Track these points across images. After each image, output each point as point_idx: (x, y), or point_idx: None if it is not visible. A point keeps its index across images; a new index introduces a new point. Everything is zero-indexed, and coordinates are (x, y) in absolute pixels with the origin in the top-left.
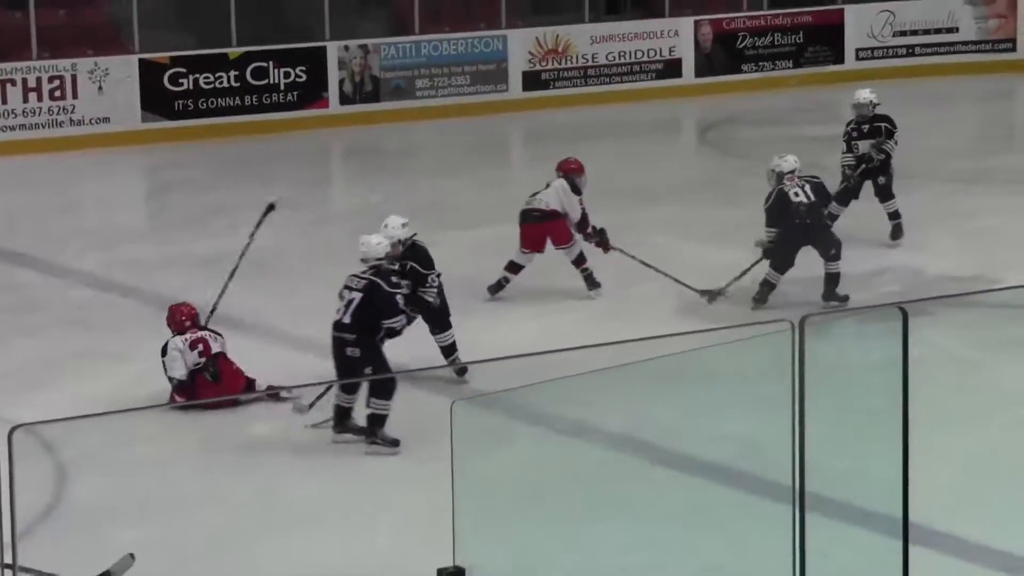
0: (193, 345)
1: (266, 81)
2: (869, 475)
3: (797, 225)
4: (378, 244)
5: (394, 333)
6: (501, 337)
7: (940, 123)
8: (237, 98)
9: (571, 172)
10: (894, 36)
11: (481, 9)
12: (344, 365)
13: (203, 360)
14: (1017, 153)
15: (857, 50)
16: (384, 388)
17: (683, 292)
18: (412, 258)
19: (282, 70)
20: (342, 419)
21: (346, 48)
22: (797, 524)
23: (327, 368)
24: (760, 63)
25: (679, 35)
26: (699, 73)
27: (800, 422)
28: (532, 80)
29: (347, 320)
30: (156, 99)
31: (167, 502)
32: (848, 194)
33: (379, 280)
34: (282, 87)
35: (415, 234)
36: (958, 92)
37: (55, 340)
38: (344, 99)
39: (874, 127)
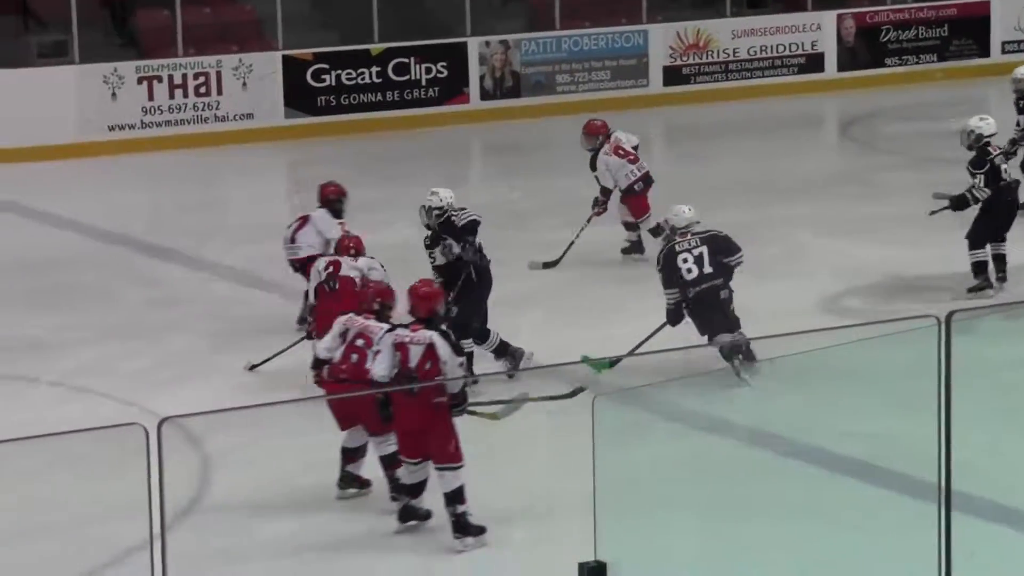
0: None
1: (407, 77)
2: (1018, 473)
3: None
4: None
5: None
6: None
7: None
8: (379, 94)
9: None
10: None
11: (621, 4)
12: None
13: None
14: None
15: (1004, 43)
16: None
17: (824, 287)
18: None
19: (423, 66)
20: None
21: (487, 44)
22: (943, 523)
23: None
24: (904, 57)
25: (821, 29)
26: (842, 67)
27: (946, 419)
28: (673, 75)
29: (709, 270)
30: (299, 95)
31: (314, 493)
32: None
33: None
34: (423, 83)
35: None
36: None
37: (200, 334)
38: (484, 95)
39: None
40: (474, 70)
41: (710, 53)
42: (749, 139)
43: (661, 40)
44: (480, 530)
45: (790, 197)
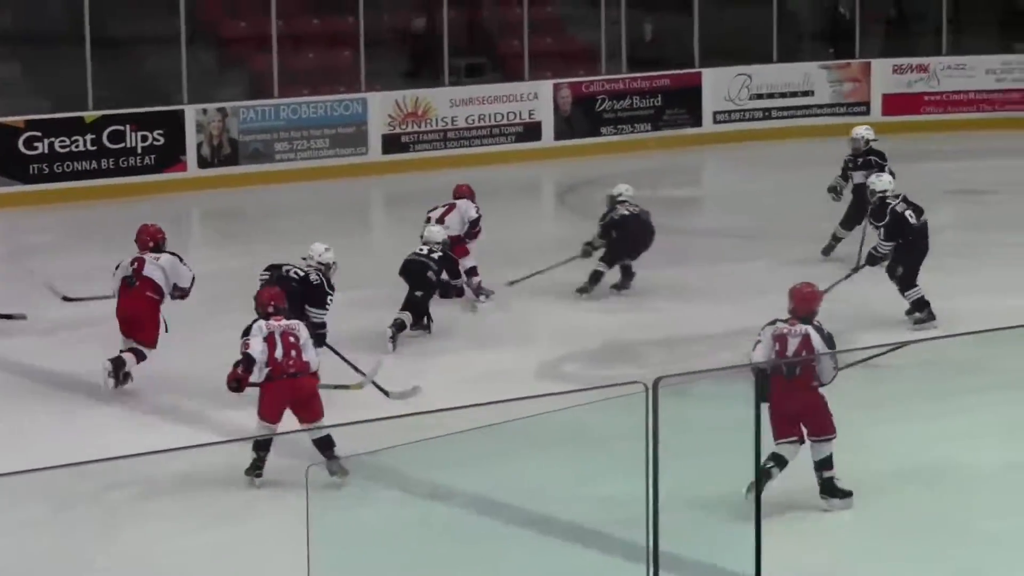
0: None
1: (123, 145)
2: (722, 534)
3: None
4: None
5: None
6: (363, 401)
7: (797, 185)
8: (94, 162)
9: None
10: (751, 99)
11: (340, 72)
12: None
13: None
14: None
15: (715, 113)
16: None
17: (543, 352)
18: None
19: (139, 133)
20: None
21: (204, 111)
22: None
23: None
24: (619, 126)
25: (538, 98)
26: (559, 136)
27: (654, 483)
28: (392, 143)
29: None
30: (11, 163)
31: None
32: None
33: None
34: (139, 151)
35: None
36: (814, 154)
37: None
38: (202, 162)
39: (866, 160)
40: (191, 138)
41: (429, 121)
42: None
43: (380, 108)
44: (846, 494)
45: (509, 263)
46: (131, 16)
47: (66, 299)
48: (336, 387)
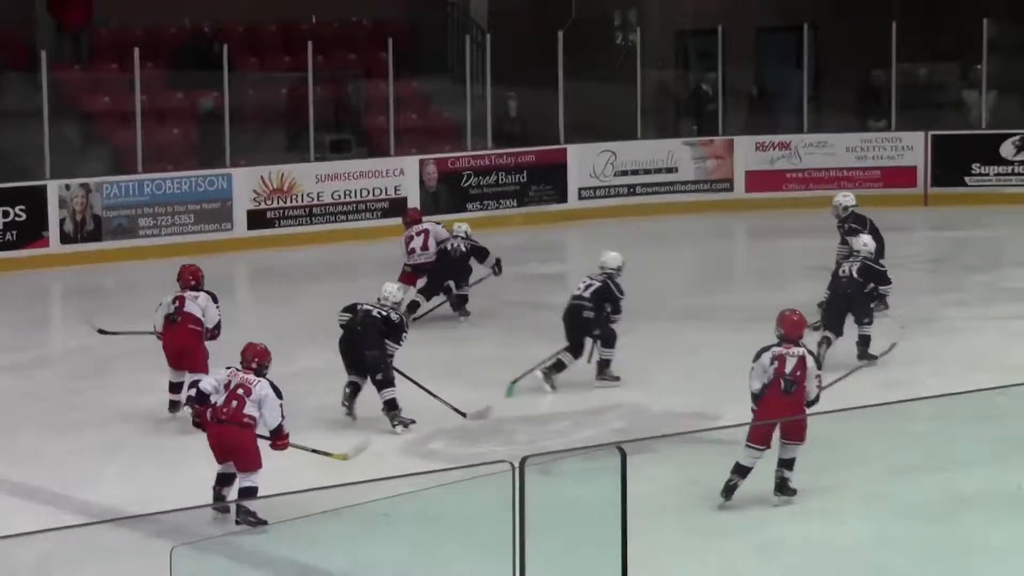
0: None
1: None
2: None
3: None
4: None
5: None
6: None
7: (662, 261)
8: None
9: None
10: (616, 176)
11: (205, 147)
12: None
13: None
14: (735, 291)
15: (580, 189)
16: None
17: (408, 431)
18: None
19: (1, 209)
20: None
21: (67, 187)
22: None
23: None
24: (485, 202)
25: (404, 174)
26: (424, 212)
27: (521, 562)
28: (257, 219)
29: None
30: None
31: None
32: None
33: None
34: (1, 226)
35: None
36: (679, 231)
37: None
38: (65, 238)
39: (849, 227)
40: (54, 213)
41: (294, 197)
42: (334, 281)
43: (245, 184)
44: (793, 492)
45: None
46: None
47: (101, 332)
48: (316, 451)
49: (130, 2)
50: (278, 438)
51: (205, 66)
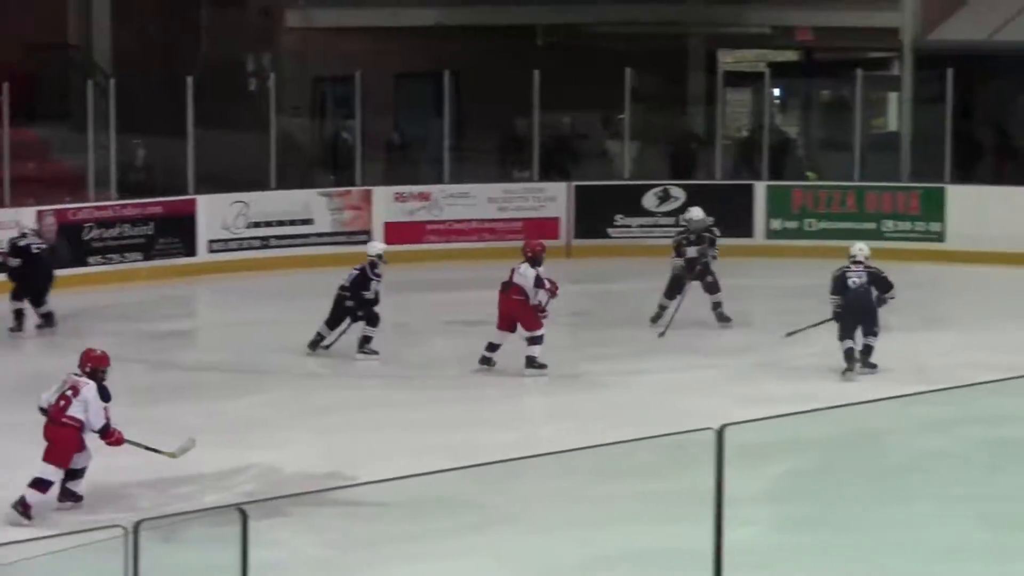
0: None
1: None
2: None
3: None
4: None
5: None
6: None
7: (291, 318)
8: None
9: None
10: (248, 227)
11: None
12: None
13: None
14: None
15: (210, 242)
16: None
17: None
18: None
19: None
20: None
21: None
22: None
23: None
24: (108, 255)
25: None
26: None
27: None
28: None
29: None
30: None
31: None
32: (675, 290)
33: None
34: None
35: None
36: (313, 285)
37: None
38: None
39: (701, 236)
40: None
41: None
42: None
43: None
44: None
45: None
46: None
47: None
48: (149, 448)
49: None
50: (106, 437)
51: None
